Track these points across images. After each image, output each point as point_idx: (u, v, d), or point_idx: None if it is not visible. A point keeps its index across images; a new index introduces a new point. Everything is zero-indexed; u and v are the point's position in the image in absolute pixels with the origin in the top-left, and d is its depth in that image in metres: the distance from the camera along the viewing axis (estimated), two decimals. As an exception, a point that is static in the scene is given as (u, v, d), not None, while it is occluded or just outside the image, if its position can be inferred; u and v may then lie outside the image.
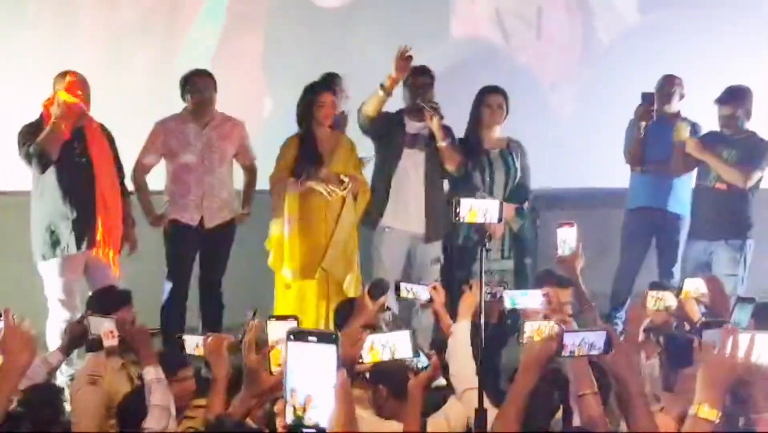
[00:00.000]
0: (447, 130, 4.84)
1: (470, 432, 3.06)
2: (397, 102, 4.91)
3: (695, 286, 3.68)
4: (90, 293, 4.52)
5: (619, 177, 6.07)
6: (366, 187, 4.91)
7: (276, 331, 2.33)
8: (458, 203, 3.24)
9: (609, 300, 5.43)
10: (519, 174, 4.91)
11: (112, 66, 5.76)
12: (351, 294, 4.64)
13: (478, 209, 3.24)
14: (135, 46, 5.91)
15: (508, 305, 3.49)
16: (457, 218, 3.25)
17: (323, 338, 1.71)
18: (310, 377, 1.67)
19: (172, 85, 4.98)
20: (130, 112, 5.30)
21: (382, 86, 4.69)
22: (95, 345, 3.29)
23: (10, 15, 5.69)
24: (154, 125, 4.92)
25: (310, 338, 1.74)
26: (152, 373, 3.06)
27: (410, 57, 4.65)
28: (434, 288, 3.63)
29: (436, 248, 4.89)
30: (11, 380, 2.29)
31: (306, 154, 4.77)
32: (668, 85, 5.33)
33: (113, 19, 5.91)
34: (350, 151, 4.91)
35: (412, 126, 4.86)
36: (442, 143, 4.78)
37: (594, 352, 2.49)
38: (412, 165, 4.84)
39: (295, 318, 2.35)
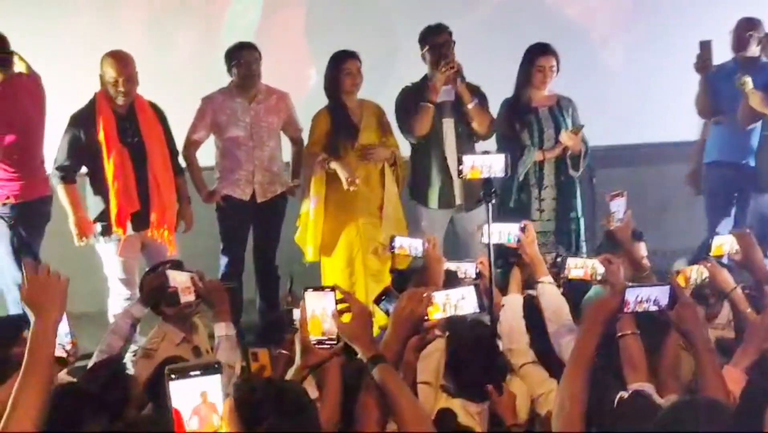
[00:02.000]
0: (474, 90, 4.75)
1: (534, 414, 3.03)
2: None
3: (725, 243, 3.52)
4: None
5: (675, 130, 5.92)
6: (400, 153, 4.87)
7: (313, 302, 2.32)
8: (460, 161, 3.19)
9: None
10: (569, 128, 4.77)
11: (157, 45, 5.79)
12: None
13: (481, 165, 3.20)
14: (177, 24, 5.92)
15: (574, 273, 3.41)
16: (461, 176, 3.22)
17: (207, 369, 1.71)
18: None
19: (217, 60, 4.98)
20: (177, 90, 5.30)
21: (429, 101, 4.64)
22: (173, 299, 3.31)
23: (53, 2, 5.73)
24: (202, 101, 4.92)
25: (192, 373, 1.73)
26: (223, 329, 3.10)
27: (452, 67, 4.56)
28: (481, 263, 3.57)
29: (479, 216, 4.81)
30: (49, 340, 2.16)
31: (339, 126, 4.75)
32: (743, 28, 5.02)
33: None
34: (380, 118, 4.88)
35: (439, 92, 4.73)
36: (469, 105, 4.69)
37: (657, 307, 2.43)
38: (449, 134, 4.75)
39: (333, 289, 2.34)
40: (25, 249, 4.53)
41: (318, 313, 2.30)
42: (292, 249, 5.01)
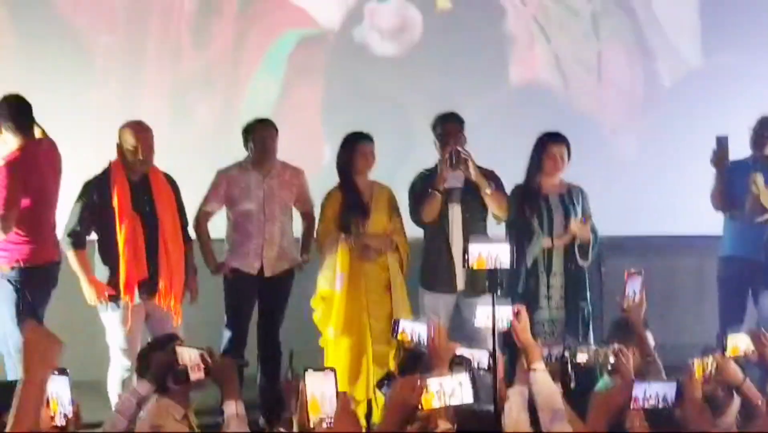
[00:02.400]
0: (488, 175, 4.79)
1: None
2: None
3: (740, 342, 3.47)
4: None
5: (685, 223, 5.94)
6: (405, 240, 4.90)
7: (313, 383, 2.28)
8: (466, 250, 3.18)
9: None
10: (578, 217, 4.79)
11: (177, 117, 5.90)
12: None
13: (488, 256, 3.16)
14: (198, 97, 6.04)
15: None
16: (466, 266, 3.18)
17: None
18: None
19: (234, 134, 5.06)
20: (194, 162, 5.38)
21: (436, 190, 4.69)
22: (182, 376, 3.24)
23: (79, 72, 5.88)
24: (217, 174, 4.98)
25: None
26: (233, 407, 3.03)
27: (458, 152, 4.62)
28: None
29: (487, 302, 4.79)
30: (35, 395, 2.14)
31: (351, 206, 4.81)
32: (763, 127, 5.06)
33: (177, 72, 6.06)
34: (389, 200, 4.94)
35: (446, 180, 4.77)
36: (487, 191, 4.72)
37: (664, 403, 2.41)
38: (454, 220, 4.78)
39: (333, 370, 2.31)
40: (29, 314, 4.51)
41: (317, 394, 2.27)
42: (291, 326, 4.99)
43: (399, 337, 3.51)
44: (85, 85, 5.88)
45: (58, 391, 2.61)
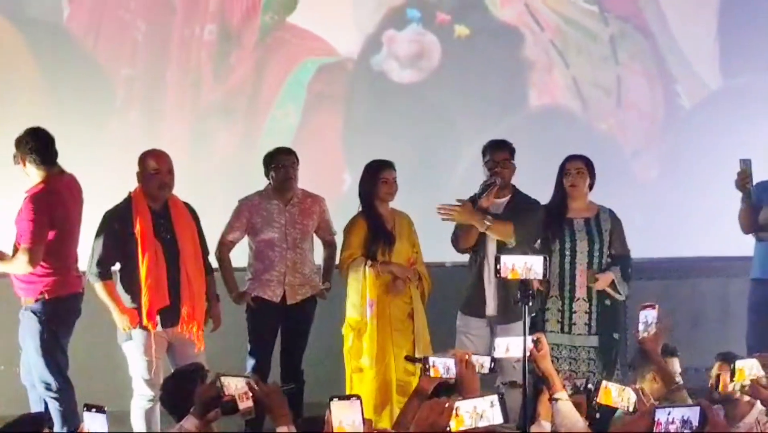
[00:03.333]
0: (527, 202, 4.78)
1: None
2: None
3: (749, 366, 3.38)
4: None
5: (707, 245, 5.89)
6: (426, 272, 4.91)
7: (339, 411, 2.28)
8: (498, 260, 3.16)
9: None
10: (605, 243, 4.77)
11: (197, 146, 5.95)
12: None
13: (520, 267, 3.15)
14: (218, 126, 6.09)
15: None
16: (498, 276, 3.18)
17: None
18: None
19: (254, 163, 5.09)
20: (214, 191, 5.42)
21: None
22: (230, 408, 3.22)
23: (101, 102, 5.95)
24: (239, 202, 5.01)
25: None
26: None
27: (489, 185, 4.60)
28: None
29: (511, 332, 4.75)
30: None
31: (377, 233, 4.82)
32: None
33: (197, 102, 6.12)
34: (410, 226, 4.95)
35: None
36: (481, 229, 4.60)
37: (689, 429, 2.38)
38: (491, 247, 4.72)
39: (358, 397, 2.29)
40: (54, 346, 4.54)
41: (345, 424, 2.26)
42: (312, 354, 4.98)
43: (432, 374, 3.47)
44: (106, 117, 5.95)
45: (96, 429, 2.62)
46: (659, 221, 6.04)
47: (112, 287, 4.58)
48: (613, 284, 4.72)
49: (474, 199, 4.77)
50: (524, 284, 3.26)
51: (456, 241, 4.77)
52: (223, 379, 3.12)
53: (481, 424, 2.40)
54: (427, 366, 3.44)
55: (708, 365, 4.58)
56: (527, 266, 3.17)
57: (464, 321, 4.81)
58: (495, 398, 2.42)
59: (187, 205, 4.76)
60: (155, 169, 4.55)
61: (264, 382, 4.71)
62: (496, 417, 2.37)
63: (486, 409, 2.44)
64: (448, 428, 2.29)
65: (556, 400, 3.20)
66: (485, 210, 4.63)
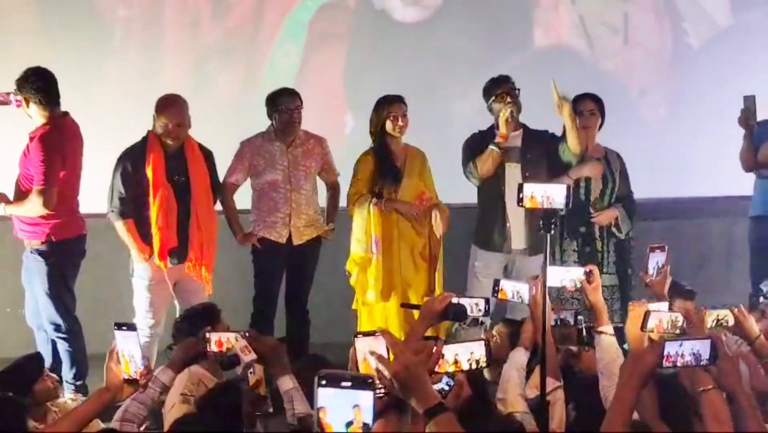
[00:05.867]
0: (541, 133, 4.74)
1: None
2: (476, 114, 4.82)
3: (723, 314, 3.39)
4: (177, 310, 4.61)
5: (713, 185, 5.84)
6: (442, 204, 4.84)
7: (364, 347, 2.27)
8: (520, 189, 3.12)
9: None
10: (617, 183, 4.76)
11: (198, 87, 5.85)
12: None
13: (539, 195, 3.10)
14: (219, 66, 6.00)
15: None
16: (520, 204, 3.14)
17: (359, 383, 1.63)
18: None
19: (256, 103, 5.02)
20: (216, 131, 5.35)
21: (495, 144, 4.62)
22: (232, 362, 3.12)
23: (98, 41, 5.85)
24: (240, 144, 4.95)
25: (343, 383, 1.67)
26: (289, 382, 3.01)
27: (513, 115, 4.60)
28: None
29: (535, 264, 4.75)
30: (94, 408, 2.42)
31: (383, 169, 4.77)
32: None
33: (197, 42, 6.02)
34: (423, 163, 4.89)
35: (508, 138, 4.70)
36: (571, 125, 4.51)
37: (698, 362, 2.36)
38: (510, 179, 4.68)
39: (382, 331, 2.28)
40: (61, 287, 4.55)
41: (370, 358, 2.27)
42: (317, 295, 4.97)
43: (499, 296, 3.45)
44: (104, 57, 5.85)
45: (129, 347, 2.60)
46: (665, 161, 5.99)
47: (132, 225, 4.61)
48: (615, 221, 4.69)
49: (483, 135, 4.74)
50: (547, 212, 3.18)
51: (474, 167, 4.69)
52: (209, 334, 3.10)
53: (465, 367, 2.43)
54: (495, 288, 3.43)
55: (714, 304, 4.60)
56: (547, 194, 3.10)
57: (487, 257, 4.76)
58: (481, 343, 2.45)
59: (202, 147, 4.75)
60: (166, 124, 4.52)
61: (269, 323, 4.81)
62: (482, 362, 2.43)
63: (473, 352, 2.47)
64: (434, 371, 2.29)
65: (600, 333, 3.20)
66: (506, 138, 4.60)
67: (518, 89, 4.71)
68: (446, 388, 2.57)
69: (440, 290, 4.70)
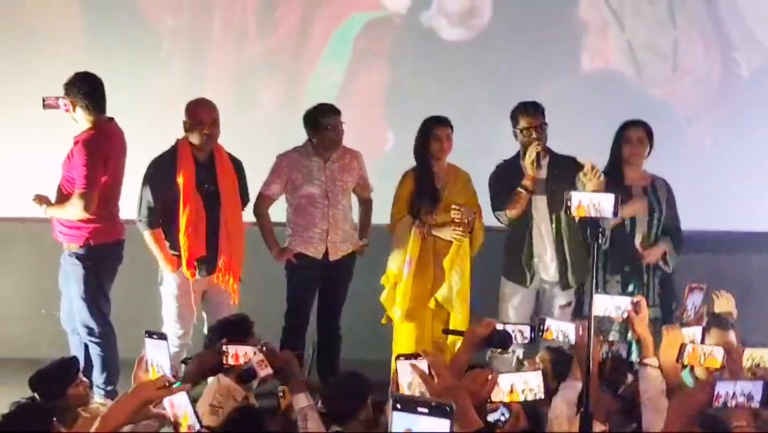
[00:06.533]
0: (568, 161, 4.62)
1: None
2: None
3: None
4: (206, 320, 4.59)
5: (757, 218, 5.71)
6: (481, 224, 4.78)
7: (406, 370, 2.24)
8: (569, 198, 3.05)
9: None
10: (663, 212, 4.64)
11: (240, 101, 5.88)
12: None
13: (587, 204, 3.02)
14: (262, 81, 6.01)
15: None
16: (567, 213, 3.08)
17: (436, 410, 1.56)
18: None
19: (298, 118, 5.00)
20: (257, 145, 5.36)
21: (524, 188, 4.54)
22: (249, 375, 3.15)
23: (146, 52, 5.90)
24: (277, 158, 4.95)
25: (420, 408, 1.59)
26: (304, 400, 2.98)
27: (545, 151, 4.53)
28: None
29: (566, 293, 4.67)
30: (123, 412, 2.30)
31: (422, 189, 4.73)
32: None
33: (242, 56, 6.04)
34: (466, 184, 4.84)
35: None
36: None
37: (750, 403, 2.27)
38: (537, 213, 4.63)
39: (422, 353, 2.24)
40: (97, 291, 4.56)
41: (411, 382, 2.23)
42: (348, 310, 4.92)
43: (544, 336, 3.38)
44: (151, 67, 5.90)
45: (159, 356, 2.58)
46: (712, 192, 5.86)
47: (160, 235, 4.61)
48: (664, 257, 4.59)
49: (508, 165, 4.67)
50: (594, 221, 3.12)
51: (503, 208, 4.62)
52: (227, 347, 3.06)
53: (521, 398, 2.38)
54: (541, 327, 3.35)
55: (756, 342, 4.48)
56: (594, 202, 3.02)
57: (514, 289, 4.70)
58: (537, 375, 2.41)
59: (232, 157, 4.73)
60: (200, 120, 4.49)
61: (300, 340, 4.77)
62: (538, 392, 2.35)
63: (528, 382, 2.42)
64: (489, 400, 2.25)
65: (645, 365, 3.13)
66: (534, 181, 4.52)
67: (546, 123, 4.60)
68: (502, 419, 2.53)
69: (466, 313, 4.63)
